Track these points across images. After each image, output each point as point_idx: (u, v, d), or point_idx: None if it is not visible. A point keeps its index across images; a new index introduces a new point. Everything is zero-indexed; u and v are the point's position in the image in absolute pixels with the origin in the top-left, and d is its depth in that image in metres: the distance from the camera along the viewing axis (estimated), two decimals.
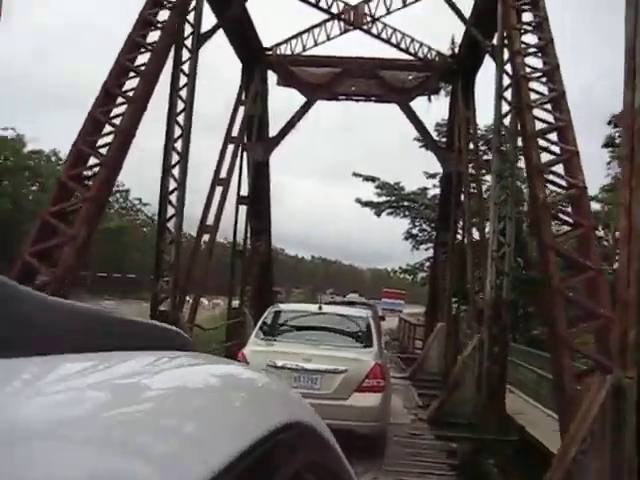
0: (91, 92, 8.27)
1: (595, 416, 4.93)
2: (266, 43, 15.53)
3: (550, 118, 8.30)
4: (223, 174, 13.19)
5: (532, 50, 8.99)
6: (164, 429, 0.57)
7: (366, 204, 29.08)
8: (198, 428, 0.61)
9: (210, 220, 12.51)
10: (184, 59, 10.23)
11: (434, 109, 18.19)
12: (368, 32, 14.58)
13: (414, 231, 29.23)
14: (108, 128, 7.95)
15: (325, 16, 14.95)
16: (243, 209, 15.25)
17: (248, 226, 15.77)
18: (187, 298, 11.79)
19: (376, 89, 16.15)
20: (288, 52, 15.53)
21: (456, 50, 15.34)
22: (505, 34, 10.00)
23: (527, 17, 9.51)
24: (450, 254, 15.79)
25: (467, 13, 12.63)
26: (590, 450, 4.99)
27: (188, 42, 10.32)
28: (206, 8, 10.87)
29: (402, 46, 14.96)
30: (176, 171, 10.12)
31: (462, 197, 14.80)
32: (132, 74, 8.36)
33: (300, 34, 15.35)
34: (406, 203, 28.64)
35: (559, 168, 7.81)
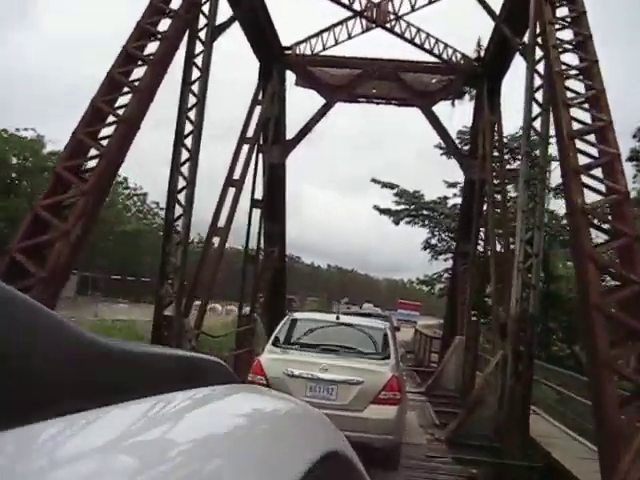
0: None
1: None
2: (285, 42, 15.08)
3: (586, 119, 7.67)
4: (236, 176, 12.73)
5: (568, 46, 8.35)
6: (240, 463, 0.65)
7: (384, 211, 28.47)
8: (268, 456, 0.72)
9: (221, 223, 12.03)
10: (197, 52, 9.76)
11: (457, 115, 17.64)
12: (391, 31, 13.96)
13: (433, 241, 28.60)
14: (111, 119, 7.41)
15: (347, 14, 14.45)
16: (257, 213, 14.78)
17: (262, 230, 15.24)
18: (196, 303, 11.33)
19: (397, 92, 15.61)
20: (308, 51, 15.04)
21: (482, 53, 14.79)
22: (538, 30, 9.35)
23: (561, 13, 8.91)
24: (470, 265, 15.12)
25: (496, 10, 12.02)
26: None
27: (202, 34, 9.86)
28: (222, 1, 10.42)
29: (426, 46, 14.35)
30: (185, 169, 9.64)
31: (485, 206, 14.19)
32: (140, 62, 7.85)
33: (321, 32, 14.86)
34: (425, 212, 28.01)
35: (597, 172, 7.16)
